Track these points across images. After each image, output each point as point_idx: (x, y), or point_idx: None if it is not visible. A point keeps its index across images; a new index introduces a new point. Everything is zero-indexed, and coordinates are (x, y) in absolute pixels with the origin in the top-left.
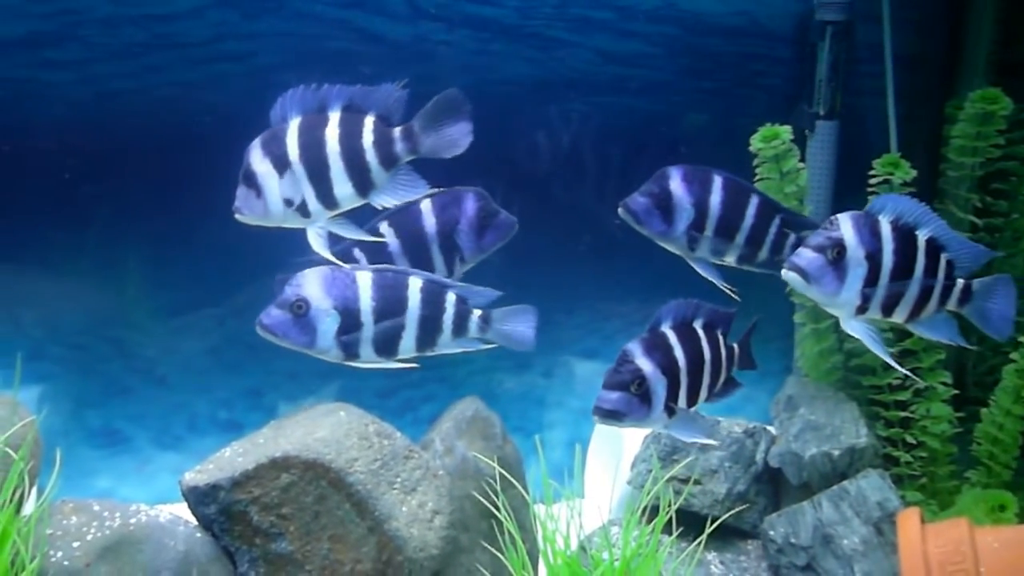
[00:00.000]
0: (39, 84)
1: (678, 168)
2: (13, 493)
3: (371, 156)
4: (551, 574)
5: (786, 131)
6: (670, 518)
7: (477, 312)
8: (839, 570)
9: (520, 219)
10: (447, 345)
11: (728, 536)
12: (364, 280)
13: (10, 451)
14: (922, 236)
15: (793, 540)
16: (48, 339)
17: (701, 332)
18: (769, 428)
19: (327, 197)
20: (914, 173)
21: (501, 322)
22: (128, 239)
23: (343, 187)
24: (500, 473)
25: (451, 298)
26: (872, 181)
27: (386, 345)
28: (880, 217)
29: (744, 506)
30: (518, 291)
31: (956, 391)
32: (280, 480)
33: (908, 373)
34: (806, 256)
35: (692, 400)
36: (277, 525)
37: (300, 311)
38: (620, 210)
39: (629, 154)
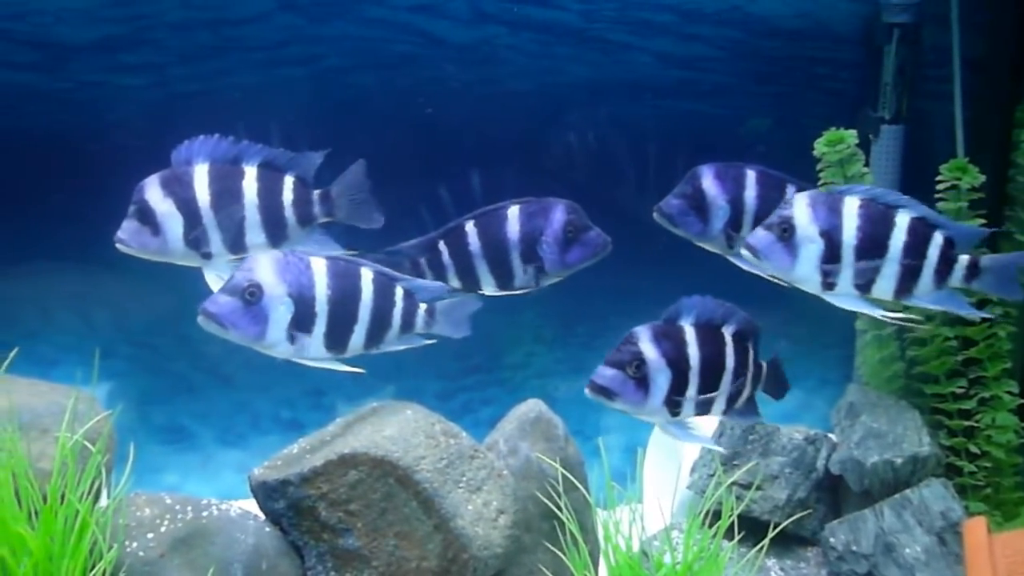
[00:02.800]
0: (113, 88)
1: (710, 166)
2: (92, 485)
3: (289, 213)
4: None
5: (851, 135)
6: (730, 523)
7: (423, 306)
8: None
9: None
10: (393, 342)
11: (788, 543)
12: (319, 267)
13: (88, 444)
14: (904, 215)
15: (854, 548)
16: (119, 338)
17: (729, 338)
18: (830, 436)
19: (235, 244)
20: (982, 178)
21: (445, 315)
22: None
23: (256, 237)
24: (563, 474)
25: (399, 292)
26: (939, 187)
27: (337, 340)
28: (847, 196)
29: (805, 512)
30: (581, 296)
31: (1022, 401)
32: (348, 477)
33: (908, 321)
34: (757, 234)
35: (703, 405)
36: (345, 521)
37: (252, 298)
38: (655, 214)
39: (691, 159)
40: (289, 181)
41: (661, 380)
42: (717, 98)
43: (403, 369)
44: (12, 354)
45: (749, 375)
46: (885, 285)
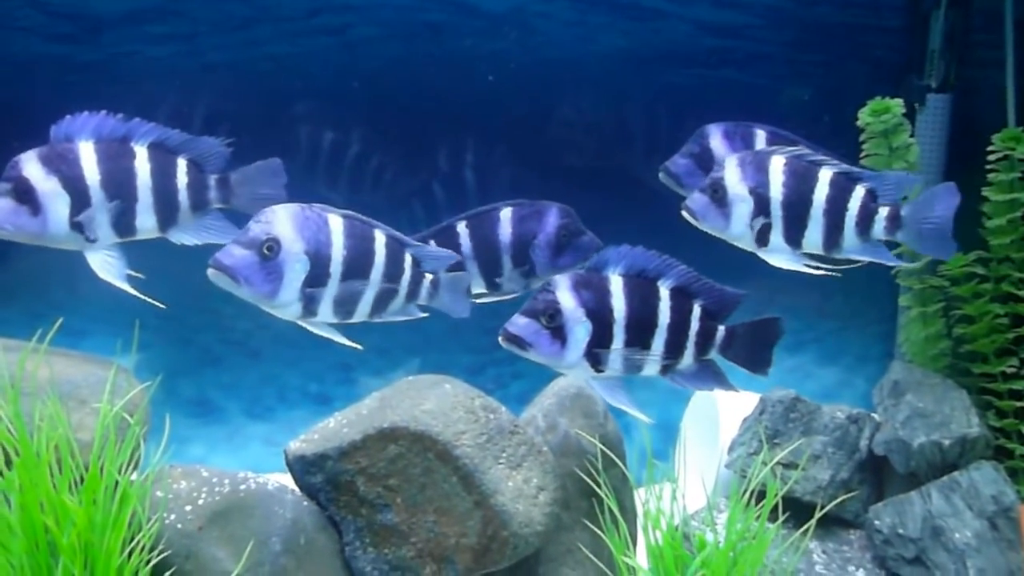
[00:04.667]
0: (143, 58)
1: (718, 125)
2: (131, 456)
3: (183, 197)
4: (652, 555)
5: (897, 104)
6: (765, 504)
7: (428, 276)
8: (951, 564)
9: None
10: (396, 311)
11: (829, 525)
12: (336, 224)
13: (127, 416)
14: (827, 171)
15: (900, 531)
16: (146, 310)
17: (666, 293)
18: (873, 415)
19: (124, 227)
20: None
21: (449, 288)
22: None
23: (146, 220)
24: (602, 451)
25: (409, 259)
26: (991, 157)
27: (347, 305)
28: (772, 156)
29: (848, 494)
30: None
31: None
32: (388, 451)
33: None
34: (693, 197)
35: (631, 363)
36: (383, 496)
37: (270, 253)
38: (661, 174)
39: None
40: (182, 163)
41: (579, 332)
42: (755, 67)
43: (432, 343)
44: (56, 324)
45: (692, 335)
46: (813, 238)
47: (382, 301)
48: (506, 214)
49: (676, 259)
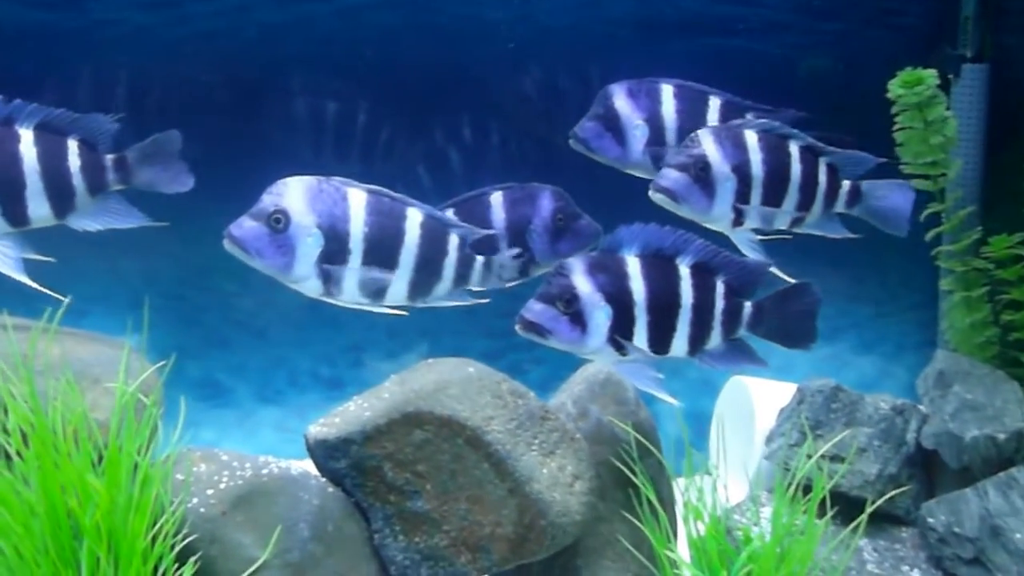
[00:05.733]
0: (131, 26)
1: (621, 84)
2: (150, 439)
3: (78, 180)
4: (694, 548)
5: (931, 75)
6: (813, 498)
7: (479, 258)
8: (1012, 566)
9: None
10: (443, 295)
11: (879, 521)
12: (357, 200)
13: (143, 397)
14: (795, 145)
15: (957, 530)
16: (147, 288)
17: (686, 271)
18: (919, 406)
19: (17, 216)
20: None
21: (502, 269)
22: (223, 186)
23: (39, 207)
24: (637, 440)
25: (454, 240)
26: None
27: (374, 285)
28: (745, 130)
29: (900, 489)
30: None
31: None
32: (414, 436)
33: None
34: (670, 176)
35: (660, 345)
36: (413, 483)
37: (278, 225)
38: (571, 140)
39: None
40: (73, 145)
41: (599, 316)
42: (771, 35)
43: (445, 326)
44: (65, 302)
45: (717, 313)
46: (785, 216)
47: (421, 284)
48: (497, 198)
49: (693, 234)
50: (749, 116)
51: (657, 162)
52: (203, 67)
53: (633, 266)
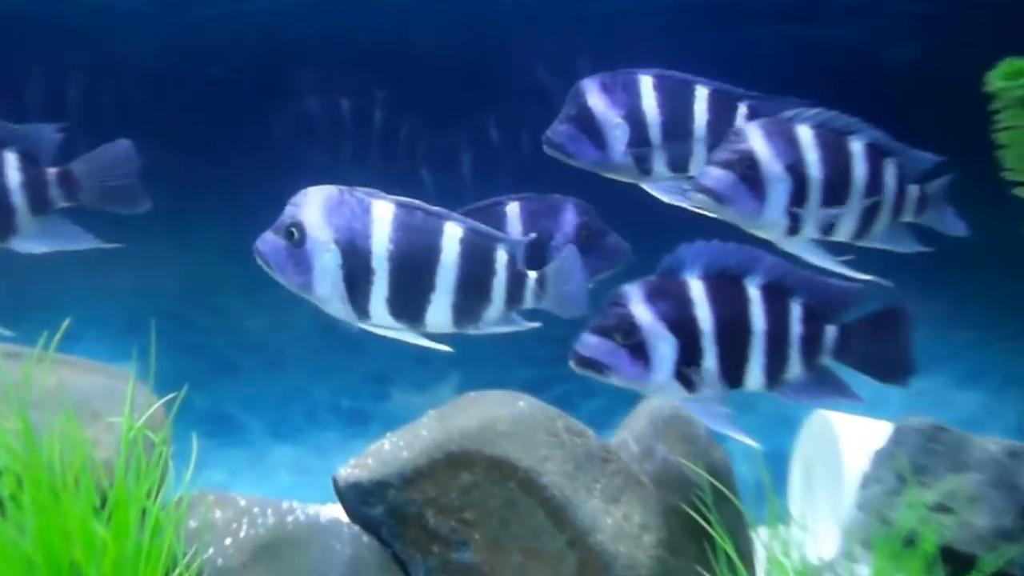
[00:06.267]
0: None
1: (593, 79)
2: (160, 481)
3: (18, 198)
4: None
5: None
6: (920, 554)
7: (532, 274)
8: None
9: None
10: (495, 320)
11: None
12: (382, 213)
13: (151, 434)
14: (858, 142)
15: None
16: (144, 308)
17: (756, 293)
18: None
19: None
20: None
21: (555, 283)
22: (229, 190)
23: None
24: (711, 483)
25: (502, 257)
26: None
27: (407, 308)
28: (799, 124)
29: (1016, 546)
30: None
31: None
32: (460, 479)
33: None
34: (713, 174)
35: (732, 377)
36: (459, 532)
37: (294, 239)
38: (544, 146)
39: (816, 95)
40: (11, 158)
41: (663, 348)
42: (852, 21)
43: (482, 354)
44: (63, 325)
45: (794, 339)
46: (848, 224)
47: (467, 307)
48: (513, 209)
49: (763, 250)
50: (742, 106)
51: (642, 163)
52: (205, 60)
53: (697, 290)
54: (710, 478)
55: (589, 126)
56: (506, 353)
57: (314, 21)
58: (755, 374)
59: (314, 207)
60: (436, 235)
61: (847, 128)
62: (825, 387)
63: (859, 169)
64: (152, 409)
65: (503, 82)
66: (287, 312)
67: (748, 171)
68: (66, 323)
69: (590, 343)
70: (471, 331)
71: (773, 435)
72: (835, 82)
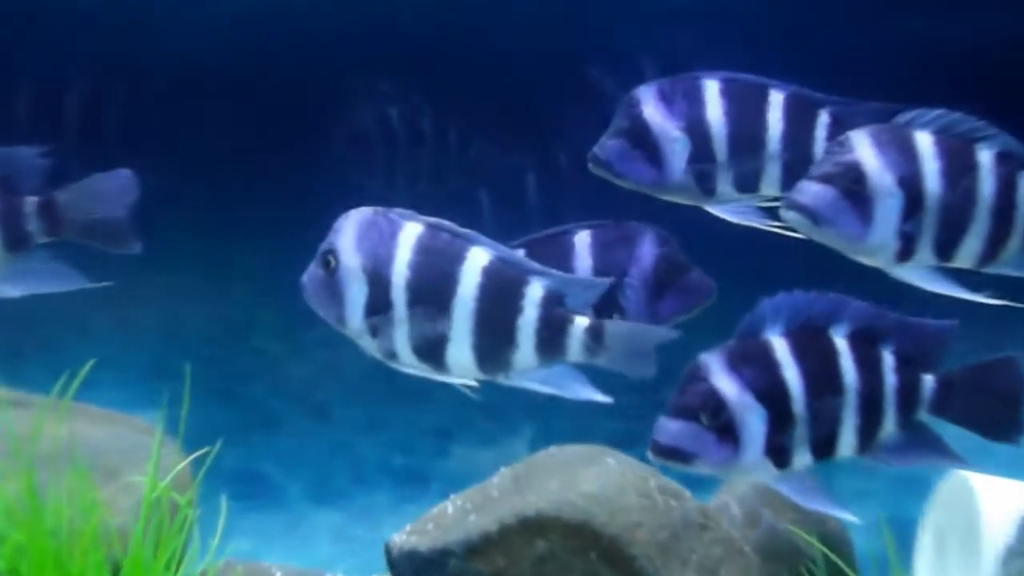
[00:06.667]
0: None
1: (649, 86)
2: (182, 552)
3: None
4: None
5: None
6: None
7: (582, 321)
8: None
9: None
10: (528, 369)
11: None
12: (407, 236)
13: (177, 496)
14: (987, 151)
15: None
16: (171, 350)
17: (843, 344)
18: None
19: None
20: None
21: (622, 340)
22: (270, 211)
23: None
24: (824, 554)
25: (535, 291)
26: None
27: (427, 347)
28: (915, 130)
29: None
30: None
31: None
32: (535, 548)
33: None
34: (810, 190)
35: (825, 446)
36: None
37: (330, 268)
38: (591, 165)
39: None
40: None
41: (753, 424)
42: (956, 12)
43: (560, 403)
44: (83, 370)
45: (888, 393)
46: (971, 247)
47: (489, 350)
48: (583, 240)
49: (845, 294)
50: (823, 113)
51: (704, 182)
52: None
53: (781, 349)
54: (824, 548)
55: (644, 141)
56: (588, 402)
57: (367, 19)
58: (847, 438)
59: (348, 231)
60: (457, 261)
61: (974, 134)
62: (922, 447)
63: (987, 182)
64: (179, 468)
65: (582, 90)
66: (335, 355)
67: (853, 186)
68: (87, 367)
69: (671, 429)
70: (503, 381)
71: (899, 499)
72: (941, 79)
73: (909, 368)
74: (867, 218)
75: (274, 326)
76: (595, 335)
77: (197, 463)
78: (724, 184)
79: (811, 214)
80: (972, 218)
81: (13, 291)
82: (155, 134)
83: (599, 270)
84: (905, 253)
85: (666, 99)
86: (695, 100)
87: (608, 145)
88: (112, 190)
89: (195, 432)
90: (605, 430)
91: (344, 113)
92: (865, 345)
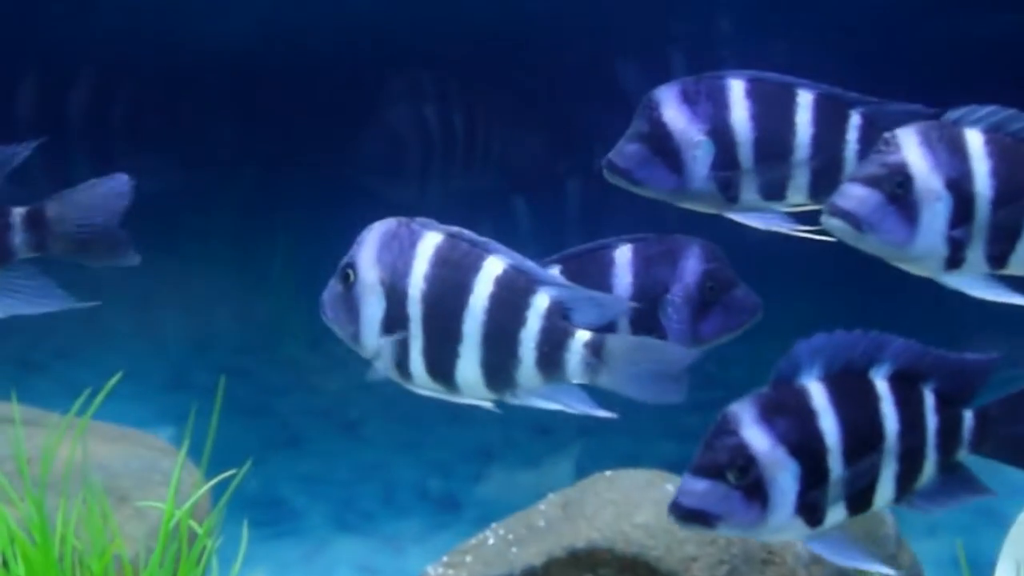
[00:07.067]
0: None
1: (670, 86)
2: None
3: None
4: None
5: None
6: None
7: (583, 335)
8: None
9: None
10: (534, 388)
11: None
12: (425, 247)
13: (195, 525)
14: None
15: None
16: (191, 360)
17: (884, 386)
18: None
19: None
20: None
21: (624, 357)
22: (305, 210)
23: None
24: None
25: (540, 303)
26: None
27: (439, 364)
28: (965, 128)
29: None
30: (887, 308)
31: None
32: None
33: None
34: (852, 193)
35: (862, 499)
36: None
37: (349, 282)
38: (606, 172)
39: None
40: None
41: (784, 481)
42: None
43: (614, 423)
44: (112, 381)
45: (930, 436)
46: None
47: (495, 367)
48: (624, 254)
49: (883, 331)
50: (855, 114)
51: (728, 190)
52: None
53: (819, 397)
54: None
55: (664, 146)
56: (643, 421)
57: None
58: (885, 489)
59: (370, 243)
60: (472, 271)
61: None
62: (958, 487)
63: None
64: (199, 494)
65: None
66: (369, 366)
67: (898, 190)
68: (114, 380)
69: (695, 490)
70: (510, 400)
71: (974, 532)
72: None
73: (950, 406)
74: (912, 223)
75: (305, 335)
76: (595, 350)
77: (216, 486)
78: (749, 192)
79: (854, 221)
80: None
81: None
82: (184, 135)
83: (640, 287)
84: (955, 261)
85: (689, 100)
86: (719, 102)
87: (626, 151)
88: (106, 197)
89: (214, 450)
90: (663, 452)
91: (385, 111)
92: (907, 386)
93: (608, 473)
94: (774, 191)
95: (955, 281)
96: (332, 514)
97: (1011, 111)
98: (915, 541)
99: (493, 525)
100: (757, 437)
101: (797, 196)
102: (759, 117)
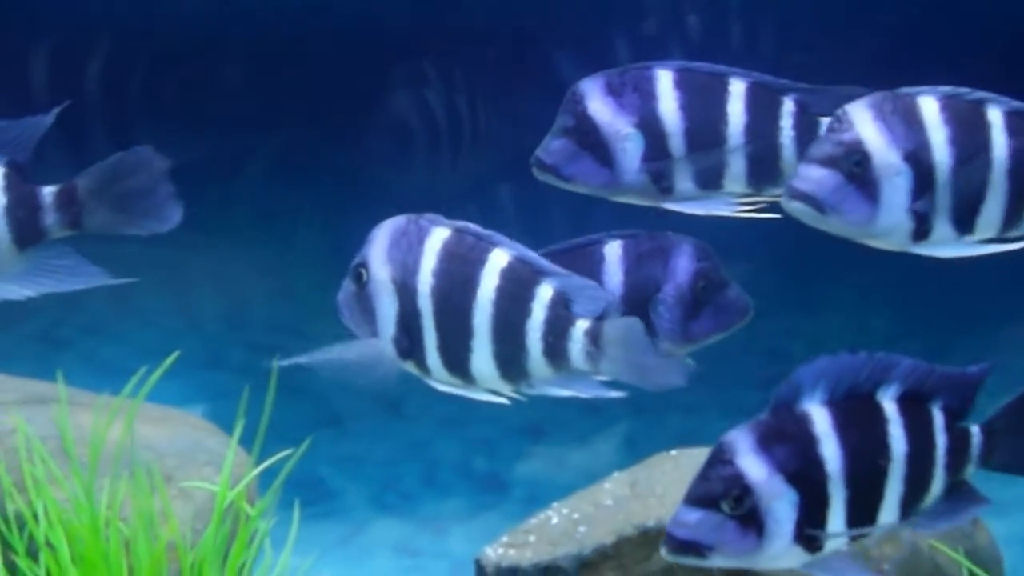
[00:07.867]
0: None
1: (594, 79)
2: (245, 570)
3: (1, 227)
4: None
5: None
6: None
7: (582, 323)
8: None
9: None
10: (545, 377)
11: None
12: (433, 243)
13: (247, 507)
14: (995, 110)
15: None
16: (228, 337)
17: (892, 408)
18: None
19: None
20: None
21: (617, 343)
22: (341, 186)
23: None
24: (972, 573)
25: (544, 293)
26: None
27: (454, 358)
28: (918, 97)
29: None
30: (966, 285)
31: None
32: (653, 562)
33: None
34: (811, 176)
35: (863, 524)
36: None
37: (360, 281)
38: (535, 169)
39: None
40: None
41: (781, 510)
42: None
43: (666, 400)
44: (170, 359)
45: (940, 456)
46: (992, 215)
47: (507, 359)
48: (614, 250)
49: (890, 351)
50: (788, 100)
51: (661, 181)
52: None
53: (821, 422)
54: (972, 567)
55: (591, 140)
56: (699, 398)
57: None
58: (890, 511)
59: (380, 241)
60: (478, 264)
61: (980, 98)
62: (960, 501)
63: (999, 142)
64: (250, 477)
65: None
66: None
67: (856, 168)
68: (170, 360)
69: (689, 521)
70: (527, 390)
71: None
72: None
73: (957, 423)
74: (874, 200)
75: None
76: (593, 338)
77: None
78: (684, 182)
79: (816, 203)
80: (986, 190)
81: (20, 292)
82: (220, 109)
83: (630, 285)
84: (921, 232)
85: (614, 92)
86: (646, 92)
87: (553, 147)
88: (138, 166)
89: (254, 429)
90: (720, 430)
91: (411, 99)
92: (916, 407)
93: (673, 452)
94: (710, 180)
95: (925, 249)
96: (371, 495)
97: (964, 89)
98: (997, 518)
99: (555, 504)
100: (753, 466)
101: (735, 184)
102: (689, 107)
